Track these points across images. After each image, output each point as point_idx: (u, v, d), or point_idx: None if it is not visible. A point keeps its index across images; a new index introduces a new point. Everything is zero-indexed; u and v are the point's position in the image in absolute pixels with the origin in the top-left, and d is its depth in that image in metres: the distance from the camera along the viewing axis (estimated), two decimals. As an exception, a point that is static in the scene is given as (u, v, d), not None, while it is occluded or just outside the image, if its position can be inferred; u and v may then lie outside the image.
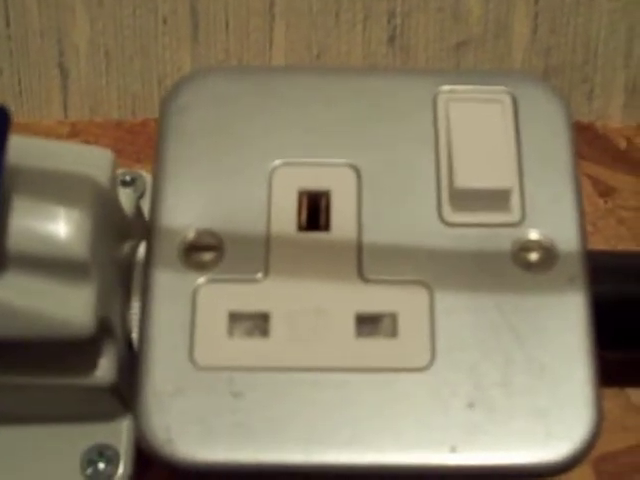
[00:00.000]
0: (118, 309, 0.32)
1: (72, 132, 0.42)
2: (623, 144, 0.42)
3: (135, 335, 0.33)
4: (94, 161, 0.30)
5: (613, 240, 0.40)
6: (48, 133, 0.41)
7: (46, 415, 0.35)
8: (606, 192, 0.41)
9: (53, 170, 0.29)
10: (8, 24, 0.43)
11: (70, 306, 0.29)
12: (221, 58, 0.42)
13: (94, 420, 0.35)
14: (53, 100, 0.43)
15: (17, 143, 0.28)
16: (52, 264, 0.28)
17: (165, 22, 0.42)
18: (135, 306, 0.33)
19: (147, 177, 0.39)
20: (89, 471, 0.35)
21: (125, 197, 0.33)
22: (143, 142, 0.41)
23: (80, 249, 0.28)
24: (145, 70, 0.43)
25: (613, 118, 0.43)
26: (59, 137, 0.41)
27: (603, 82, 0.43)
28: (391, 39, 0.43)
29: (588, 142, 0.42)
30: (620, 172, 0.42)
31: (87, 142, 0.41)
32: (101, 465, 0.35)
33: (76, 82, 0.43)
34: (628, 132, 0.43)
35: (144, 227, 0.35)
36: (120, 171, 0.37)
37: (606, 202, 0.41)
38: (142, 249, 0.33)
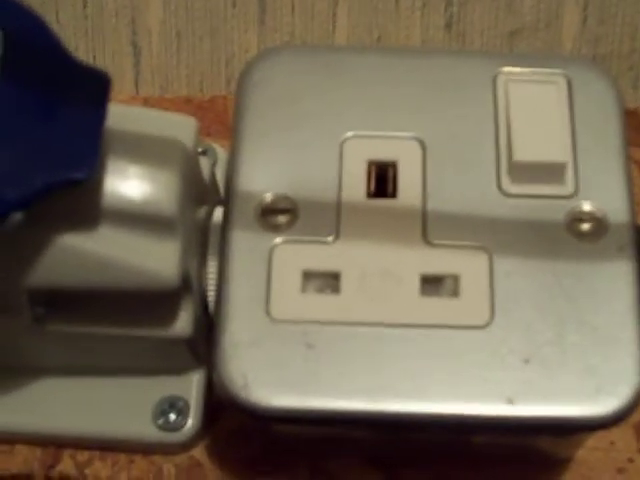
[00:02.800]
0: (196, 267, 0.34)
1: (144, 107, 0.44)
2: (668, 130, 0.44)
3: (210, 293, 0.35)
4: (180, 127, 0.33)
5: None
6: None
7: (122, 367, 0.37)
8: (651, 176, 0.43)
9: (144, 134, 0.32)
10: (85, 5, 0.45)
11: (158, 259, 0.31)
12: (286, 40, 0.45)
13: (167, 373, 0.37)
14: (125, 77, 0.45)
15: (112, 109, 0.30)
16: (143, 220, 0.31)
17: (234, 5, 0.45)
18: (210, 266, 0.35)
19: (218, 149, 0.41)
20: (160, 421, 0.37)
21: (203, 164, 0.36)
22: (212, 118, 0.43)
23: (169, 206, 0.31)
24: (214, 51, 0.45)
25: (658, 105, 0.45)
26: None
27: (648, 71, 0.45)
28: (448, 26, 0.45)
29: (634, 128, 0.43)
30: (665, 157, 0.43)
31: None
32: (172, 416, 0.37)
33: (148, 60, 0.45)
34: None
35: (218, 194, 0.37)
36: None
37: (652, 185, 0.43)
38: (217, 214, 0.36)
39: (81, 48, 0.45)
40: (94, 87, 0.29)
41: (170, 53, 0.45)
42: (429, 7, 0.45)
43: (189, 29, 0.45)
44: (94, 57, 0.45)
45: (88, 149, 0.28)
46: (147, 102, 0.44)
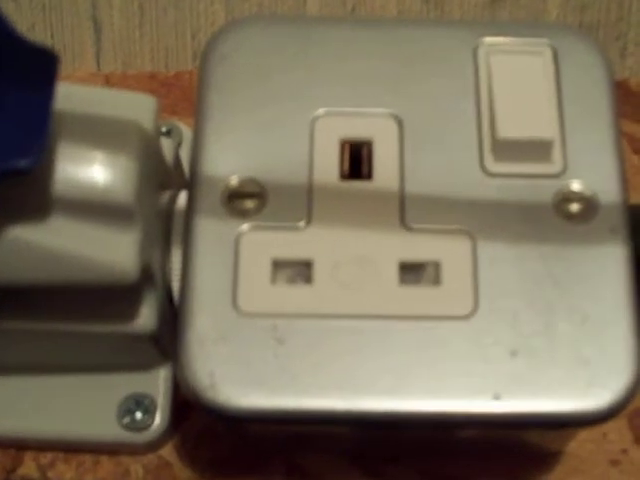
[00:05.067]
0: (159, 258, 0.32)
1: (106, 85, 0.41)
2: (657, 101, 0.42)
3: (175, 285, 0.33)
4: (138, 107, 0.30)
5: (648, 196, 0.40)
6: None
7: (84, 364, 0.35)
8: (640, 149, 0.41)
9: (98, 116, 0.29)
10: (42, -24, 0.43)
11: (115, 251, 0.29)
12: (255, 11, 0.42)
13: (132, 369, 0.35)
14: (86, 53, 0.43)
15: (61, 89, 0.28)
16: (98, 209, 0.28)
17: (200, -26, 0.43)
18: (174, 255, 0.33)
19: (183, 128, 0.39)
20: (126, 420, 0.35)
21: (165, 146, 0.33)
22: (177, 95, 0.41)
23: (126, 194, 0.29)
24: (179, 23, 0.43)
25: (647, 75, 0.43)
26: (93, 90, 0.41)
27: (637, 39, 0.43)
28: (426, -5, 0.43)
29: (622, 99, 0.41)
30: (654, 129, 0.41)
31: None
32: (138, 414, 0.35)
33: (109, 35, 0.43)
34: (662, 89, 0.43)
35: (183, 177, 0.35)
36: (156, 122, 0.37)
37: (641, 159, 0.41)
38: (181, 199, 0.34)
39: (38, 24, 0.43)
40: (40, 67, 0.27)
41: (132, 27, 0.43)
42: (406, -25, 0.42)
43: (152, 1, 0.42)
44: (52, 33, 0.43)
45: (34, 135, 0.26)
46: (109, 79, 0.42)
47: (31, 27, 0.43)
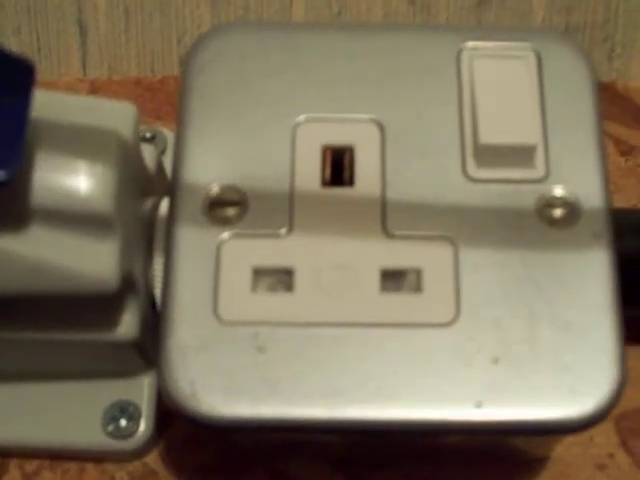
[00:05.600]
0: (140, 265, 0.32)
1: (91, 90, 0.41)
2: (644, 103, 0.42)
3: (157, 292, 0.33)
4: (117, 115, 0.30)
5: (634, 199, 0.39)
6: (67, 91, 0.41)
7: (68, 372, 0.35)
8: (627, 151, 0.41)
9: (76, 124, 0.29)
10: (27, -19, 0.43)
11: (94, 261, 0.29)
12: (241, 15, 0.42)
13: (116, 377, 0.35)
14: (72, 58, 0.43)
15: (40, 97, 0.27)
16: (76, 219, 0.28)
17: (185, -22, 0.42)
18: (157, 262, 0.33)
19: (167, 134, 0.38)
20: (110, 428, 0.35)
21: (147, 153, 0.33)
22: (162, 99, 0.41)
23: (104, 203, 0.28)
24: (164, 27, 0.42)
25: (634, 77, 0.43)
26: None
27: (624, 41, 0.43)
28: (411, -3, 0.42)
29: (609, 101, 0.41)
30: (641, 131, 0.41)
31: (106, 100, 0.41)
32: (122, 422, 0.35)
33: (95, 39, 0.43)
34: (649, 91, 0.42)
35: (166, 183, 0.35)
36: (140, 128, 0.37)
37: (627, 161, 0.41)
38: (164, 206, 0.33)
39: (24, 28, 0.43)
40: (17, 77, 0.26)
41: (118, 31, 0.42)
42: (391, -23, 0.42)
43: (138, 5, 0.42)
44: (38, 37, 0.43)
45: (9, 147, 0.26)
46: (94, 84, 0.42)
47: (16, 31, 0.43)
